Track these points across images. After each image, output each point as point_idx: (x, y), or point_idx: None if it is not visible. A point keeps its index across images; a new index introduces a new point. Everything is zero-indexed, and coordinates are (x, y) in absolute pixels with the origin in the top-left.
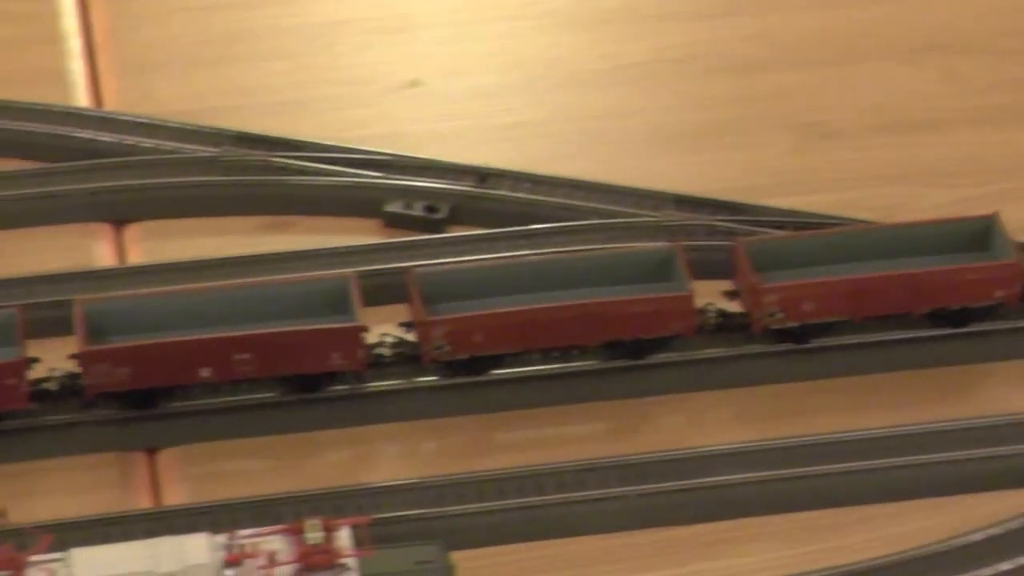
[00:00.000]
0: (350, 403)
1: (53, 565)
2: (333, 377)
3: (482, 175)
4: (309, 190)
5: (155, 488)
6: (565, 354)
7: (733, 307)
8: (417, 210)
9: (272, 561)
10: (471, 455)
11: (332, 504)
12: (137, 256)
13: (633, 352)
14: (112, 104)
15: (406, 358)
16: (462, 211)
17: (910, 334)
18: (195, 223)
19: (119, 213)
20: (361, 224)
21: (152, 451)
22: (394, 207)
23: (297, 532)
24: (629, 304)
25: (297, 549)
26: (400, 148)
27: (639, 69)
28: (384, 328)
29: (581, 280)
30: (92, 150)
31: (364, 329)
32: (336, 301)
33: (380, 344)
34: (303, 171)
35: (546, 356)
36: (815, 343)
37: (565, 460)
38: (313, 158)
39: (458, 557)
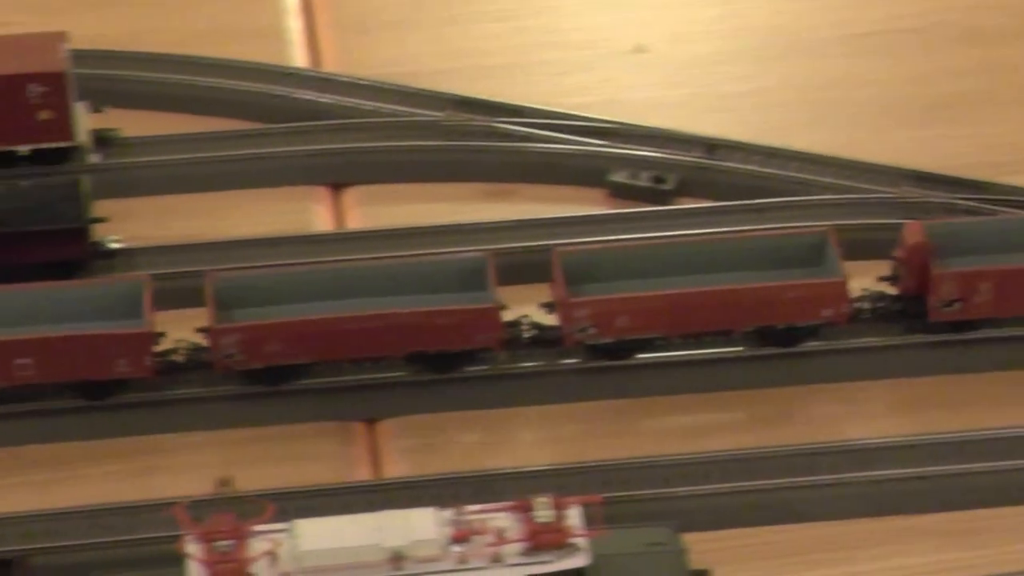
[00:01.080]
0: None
1: (277, 535)
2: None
3: (711, 146)
4: (532, 157)
5: (374, 459)
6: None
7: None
8: (644, 180)
9: (500, 538)
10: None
11: (554, 482)
12: (354, 221)
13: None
14: (329, 64)
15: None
16: (689, 183)
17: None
18: (414, 188)
19: (337, 176)
20: (585, 194)
21: (371, 422)
22: (620, 177)
23: (526, 509)
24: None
25: (526, 527)
26: (622, 116)
27: (873, 39)
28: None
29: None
30: (311, 111)
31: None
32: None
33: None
34: (526, 138)
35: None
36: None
37: (790, 443)
38: (536, 124)
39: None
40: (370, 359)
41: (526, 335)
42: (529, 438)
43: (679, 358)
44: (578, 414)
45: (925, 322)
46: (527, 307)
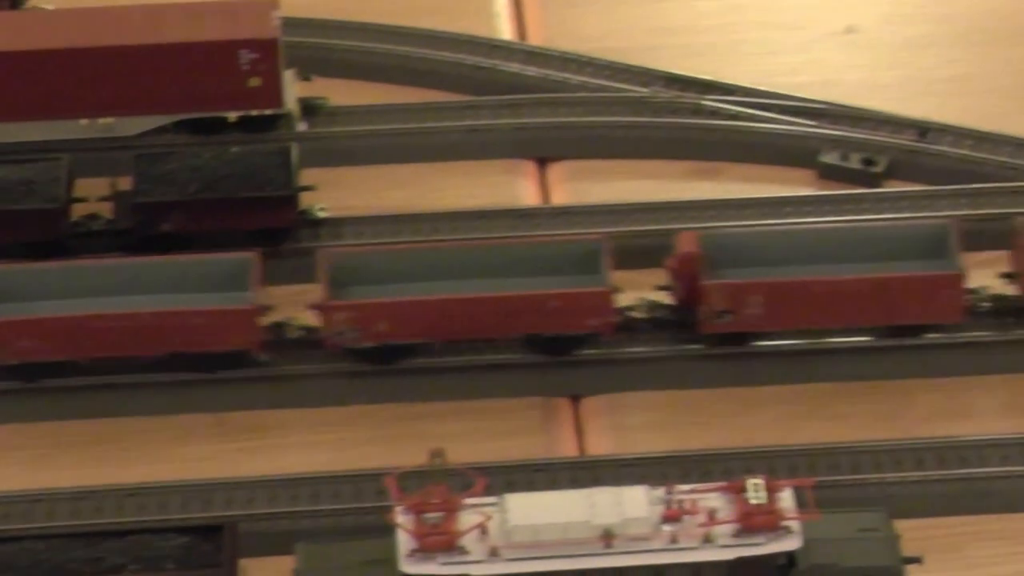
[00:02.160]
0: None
1: (488, 509)
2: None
3: (923, 129)
4: (740, 136)
5: (579, 435)
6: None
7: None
8: (853, 162)
9: (712, 519)
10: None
11: (765, 464)
12: (560, 196)
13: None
14: (535, 38)
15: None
16: (900, 165)
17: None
18: (620, 165)
19: (543, 150)
20: (793, 174)
21: (576, 398)
22: (829, 158)
23: (738, 491)
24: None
25: (738, 508)
26: (832, 97)
27: None
28: None
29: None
30: (518, 84)
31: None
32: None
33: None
34: (735, 116)
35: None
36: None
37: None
38: (745, 103)
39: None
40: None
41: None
42: (735, 420)
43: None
44: (781, 396)
45: (697, 333)
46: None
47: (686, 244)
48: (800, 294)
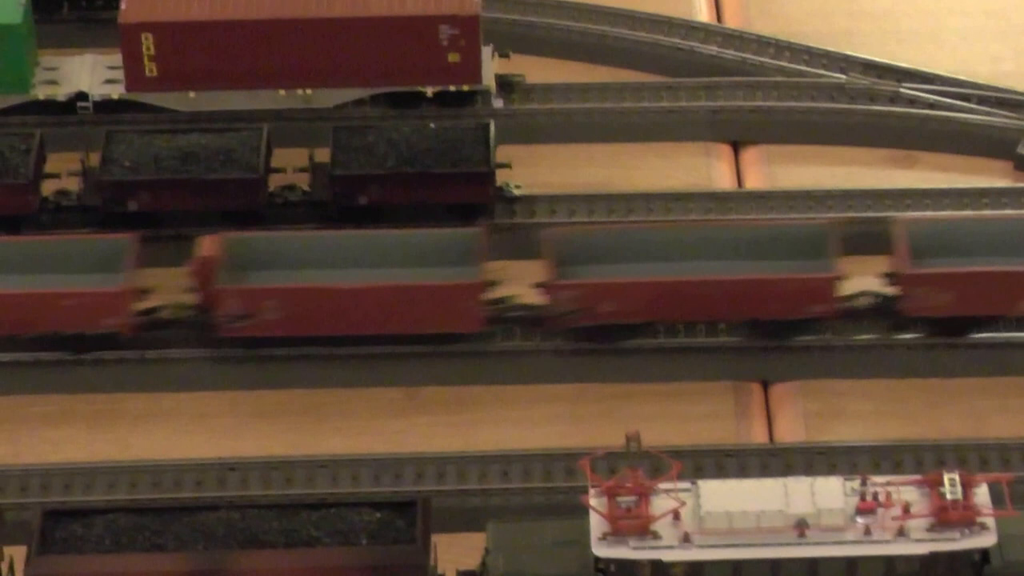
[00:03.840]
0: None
1: (682, 494)
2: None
3: None
4: (938, 125)
5: (769, 421)
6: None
7: None
8: None
9: (906, 512)
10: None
11: (956, 456)
12: (754, 180)
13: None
14: (732, 20)
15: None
16: None
17: None
18: (815, 150)
19: (738, 134)
20: (990, 165)
21: (767, 384)
22: None
23: (934, 484)
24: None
25: (933, 502)
26: None
27: None
28: None
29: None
30: (715, 67)
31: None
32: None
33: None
34: (933, 105)
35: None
36: None
37: None
38: (944, 92)
39: None
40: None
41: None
42: (927, 411)
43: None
44: (974, 388)
45: (216, 337)
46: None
47: (206, 248)
48: (317, 300)
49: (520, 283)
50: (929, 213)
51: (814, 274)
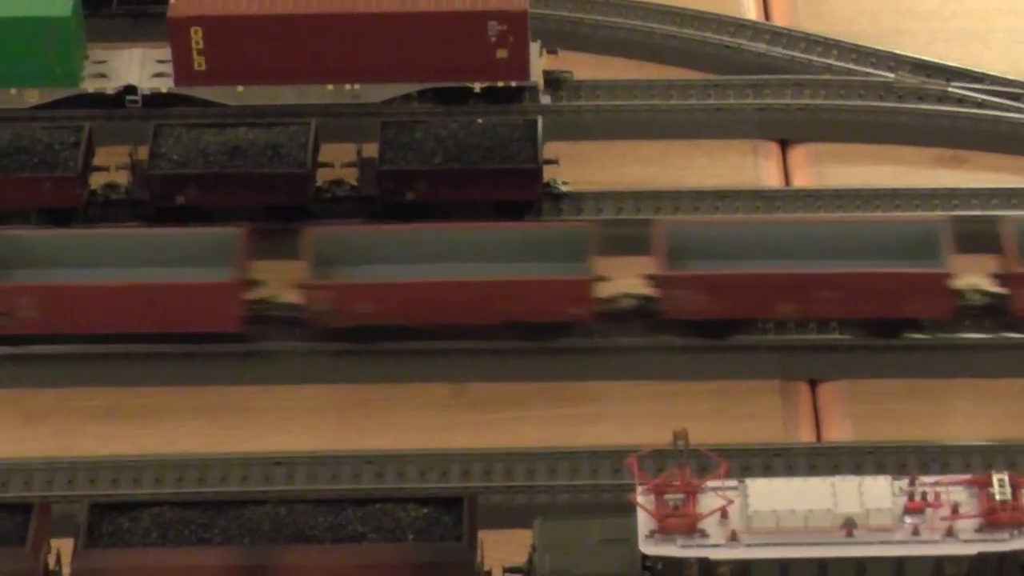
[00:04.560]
0: None
1: (729, 492)
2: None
3: None
4: (987, 125)
5: (817, 421)
6: None
7: None
8: None
9: (955, 513)
10: None
11: (1005, 458)
12: (802, 179)
13: None
14: (780, 18)
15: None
16: None
17: None
18: (864, 149)
19: (786, 132)
20: None
21: (814, 383)
22: None
23: (983, 485)
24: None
25: (982, 503)
26: None
27: None
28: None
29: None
30: (762, 65)
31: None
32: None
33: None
34: (982, 104)
35: None
36: None
37: None
38: (993, 91)
39: None
40: (806, 319)
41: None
42: (970, 411)
43: None
44: (1019, 391)
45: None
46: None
47: None
48: (74, 299)
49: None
50: (974, 213)
51: (570, 276)
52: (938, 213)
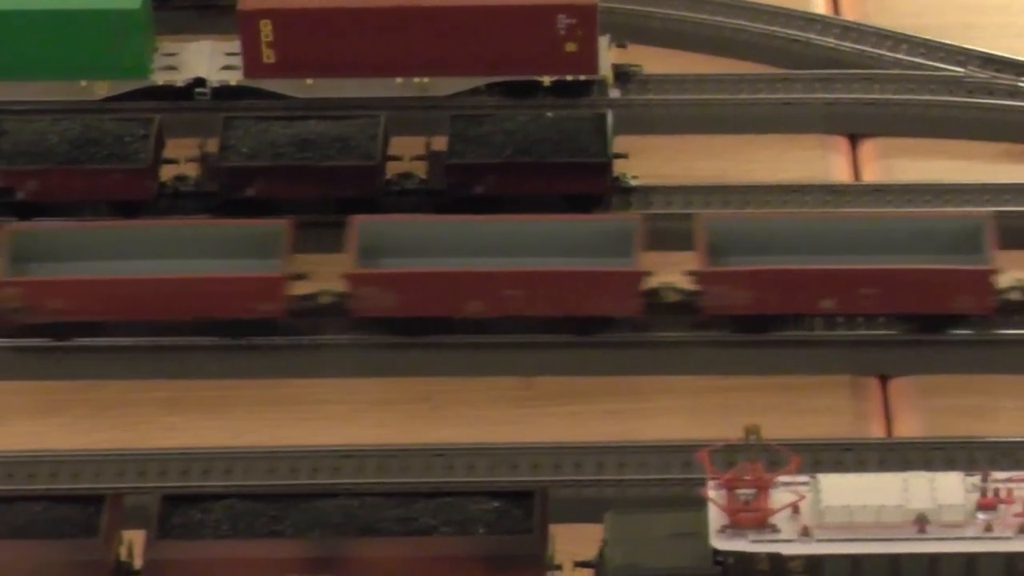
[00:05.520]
0: None
1: (800, 488)
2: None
3: None
4: None
5: (887, 416)
6: None
7: None
8: None
9: None
10: None
11: None
12: (871, 173)
13: None
14: (849, 12)
15: None
16: None
17: None
18: (933, 144)
19: (855, 127)
20: None
21: (884, 378)
22: None
23: None
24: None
25: None
26: None
27: None
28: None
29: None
30: (831, 59)
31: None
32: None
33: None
34: None
35: None
36: None
37: None
38: None
39: None
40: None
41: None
42: None
43: None
44: None
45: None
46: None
47: None
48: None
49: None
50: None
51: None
52: (1009, 208)
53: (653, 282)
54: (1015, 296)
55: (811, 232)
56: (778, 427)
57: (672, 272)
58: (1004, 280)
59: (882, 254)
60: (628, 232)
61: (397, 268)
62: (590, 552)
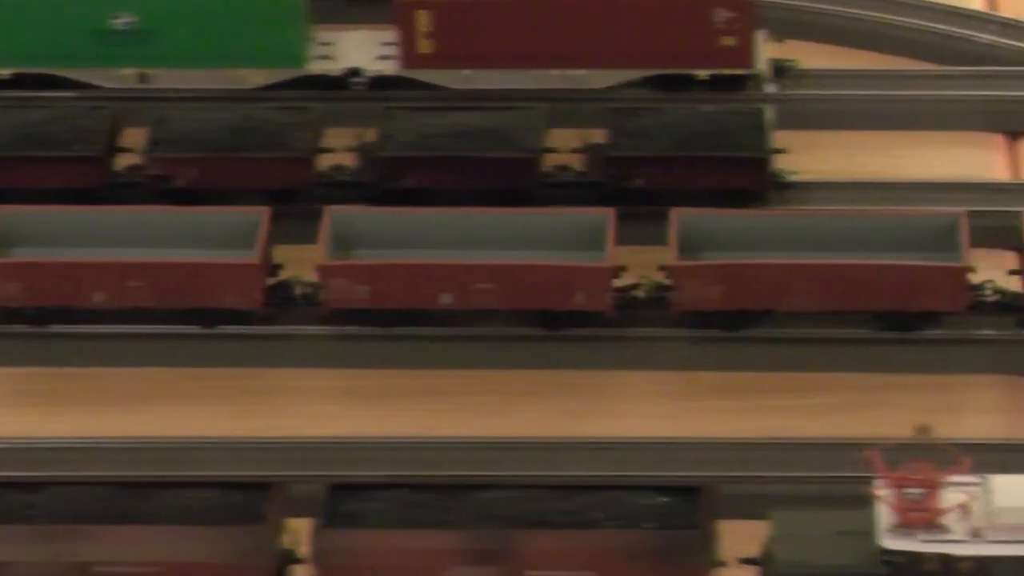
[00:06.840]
0: None
1: (971, 488)
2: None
3: None
4: None
5: None
6: None
7: None
8: None
9: None
10: None
11: None
12: None
13: None
14: (1008, 9)
15: None
16: None
17: None
18: None
19: (1015, 124)
20: None
21: None
22: None
23: None
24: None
25: None
26: None
27: None
28: None
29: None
30: (989, 56)
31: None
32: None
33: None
34: None
35: None
36: None
37: None
38: None
39: None
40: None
41: None
42: None
43: None
44: None
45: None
46: None
47: None
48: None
49: None
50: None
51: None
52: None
53: None
54: None
55: (782, 228)
56: (937, 427)
57: None
58: None
59: (856, 251)
60: (601, 226)
61: (368, 260)
62: (753, 549)
